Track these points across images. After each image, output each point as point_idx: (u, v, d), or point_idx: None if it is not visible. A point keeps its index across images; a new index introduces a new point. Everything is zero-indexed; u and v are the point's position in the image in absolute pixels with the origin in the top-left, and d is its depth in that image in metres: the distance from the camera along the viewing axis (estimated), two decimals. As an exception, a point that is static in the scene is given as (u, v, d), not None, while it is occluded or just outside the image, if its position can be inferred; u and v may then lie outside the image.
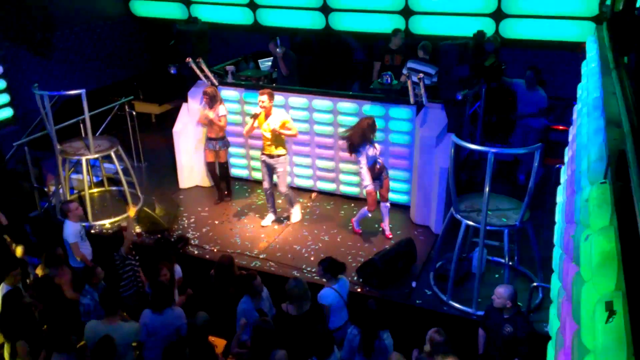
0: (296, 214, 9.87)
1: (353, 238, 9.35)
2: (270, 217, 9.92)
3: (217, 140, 10.03)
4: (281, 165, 9.25)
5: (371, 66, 11.67)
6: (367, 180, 8.67)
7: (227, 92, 10.59)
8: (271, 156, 9.22)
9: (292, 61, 11.18)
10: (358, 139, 8.53)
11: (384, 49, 11.16)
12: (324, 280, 7.26)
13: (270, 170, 9.38)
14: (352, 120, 9.72)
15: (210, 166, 10.34)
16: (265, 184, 9.58)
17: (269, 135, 9.07)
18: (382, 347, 6.39)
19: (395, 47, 10.95)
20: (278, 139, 9.11)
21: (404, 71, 9.76)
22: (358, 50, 12.69)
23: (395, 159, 9.82)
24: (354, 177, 10.17)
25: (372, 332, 6.40)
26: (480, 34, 10.67)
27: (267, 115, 9.02)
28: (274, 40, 11.08)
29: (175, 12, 13.73)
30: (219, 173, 10.45)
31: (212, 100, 9.81)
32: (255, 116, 9.04)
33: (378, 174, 8.82)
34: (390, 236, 9.23)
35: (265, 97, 8.88)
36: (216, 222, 9.97)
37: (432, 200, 9.34)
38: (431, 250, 8.89)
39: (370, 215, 9.16)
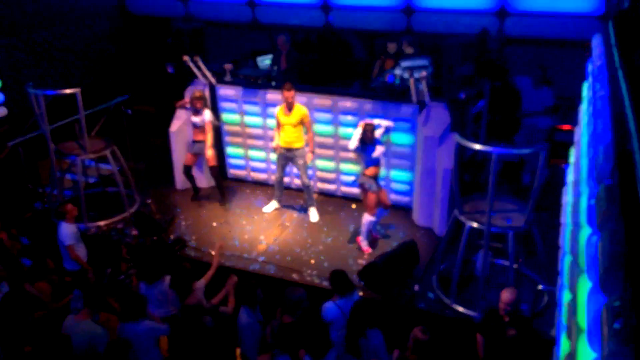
0: (314, 214, 9.91)
1: (355, 239, 9.19)
2: (273, 204, 10.19)
3: (202, 143, 9.96)
4: (300, 157, 9.49)
5: (371, 64, 11.57)
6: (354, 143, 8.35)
7: (225, 91, 10.49)
8: (289, 149, 9.43)
9: (293, 59, 11.11)
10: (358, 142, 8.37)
11: (382, 50, 11.05)
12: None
13: (287, 162, 9.66)
14: (353, 119, 9.62)
15: (187, 169, 10.29)
16: (278, 175, 9.86)
17: (288, 128, 9.30)
18: (369, 346, 6.21)
19: (391, 52, 10.85)
20: (297, 132, 9.33)
21: (399, 72, 9.64)
22: (359, 49, 12.57)
23: (397, 159, 9.69)
24: (354, 178, 10.04)
25: (356, 331, 6.21)
26: (484, 32, 10.55)
27: (290, 109, 9.22)
28: (284, 34, 11.05)
29: (173, 9, 13.65)
30: (213, 177, 10.40)
31: (205, 103, 9.78)
32: (279, 121, 9.33)
33: (376, 178, 8.66)
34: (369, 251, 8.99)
35: (292, 92, 9.12)
36: (214, 223, 9.85)
37: (435, 202, 9.23)
38: (434, 253, 8.75)
39: (374, 219, 8.95)
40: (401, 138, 9.50)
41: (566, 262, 4.85)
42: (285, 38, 11.04)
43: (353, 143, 8.32)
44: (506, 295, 6.31)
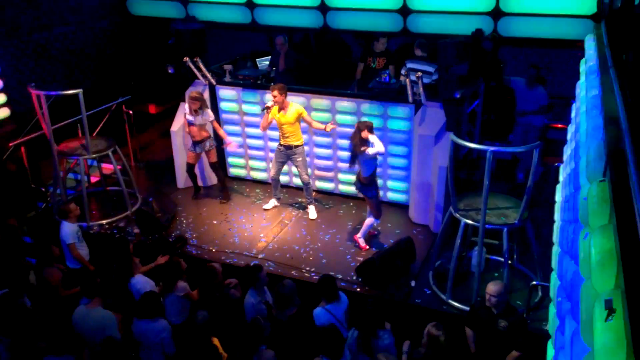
0: (313, 211, 10.01)
1: (352, 237, 9.31)
2: (273, 201, 10.28)
3: (203, 142, 10.05)
4: (300, 154, 9.56)
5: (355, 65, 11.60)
6: (380, 146, 8.28)
7: (225, 92, 10.58)
8: (289, 147, 9.50)
9: (292, 59, 11.18)
10: (356, 141, 8.44)
11: (367, 51, 11.11)
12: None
13: (285, 160, 9.70)
14: (351, 119, 9.74)
15: (191, 167, 10.40)
16: (273, 172, 9.90)
17: (286, 127, 9.33)
18: (382, 346, 6.36)
19: (378, 50, 10.91)
20: (295, 130, 9.40)
21: (403, 71, 9.71)
22: (356, 49, 12.64)
23: (394, 157, 9.81)
24: (352, 176, 10.15)
25: (368, 330, 6.37)
26: (478, 32, 10.65)
27: (281, 109, 9.26)
28: (283, 35, 11.12)
29: (173, 11, 13.69)
30: (215, 173, 10.53)
31: (203, 103, 9.84)
32: (267, 109, 9.27)
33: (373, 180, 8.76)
34: (367, 248, 9.12)
35: (276, 92, 9.12)
36: (214, 221, 9.95)
37: (431, 199, 9.33)
38: (430, 249, 8.87)
39: (377, 221, 9.07)
40: (398, 137, 9.64)
41: (558, 257, 4.97)
42: (282, 39, 11.13)
43: (380, 146, 8.31)
44: (491, 287, 6.38)
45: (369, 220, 8.88)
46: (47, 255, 7.90)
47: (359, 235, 9.07)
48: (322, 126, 9.31)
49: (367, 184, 8.61)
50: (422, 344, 6.09)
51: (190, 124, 9.92)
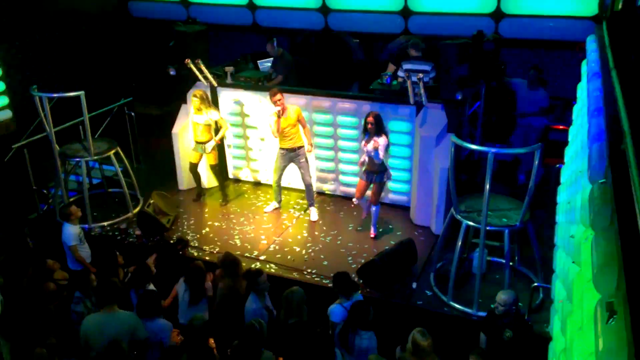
0: (314, 213, 10.02)
1: (353, 239, 9.32)
2: (274, 204, 10.27)
3: (204, 143, 10.04)
4: (302, 156, 9.59)
5: (372, 66, 11.55)
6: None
7: (226, 93, 10.57)
8: (292, 149, 9.52)
9: (288, 63, 11.14)
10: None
11: (404, 56, 11.05)
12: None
13: (288, 163, 9.69)
14: (352, 121, 9.75)
15: (193, 166, 10.41)
16: (275, 177, 9.88)
17: (288, 129, 9.36)
18: (362, 346, 6.32)
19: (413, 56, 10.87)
20: (297, 131, 9.43)
21: (401, 74, 9.71)
22: (357, 51, 12.65)
23: (395, 159, 9.80)
24: (353, 178, 10.16)
25: (349, 325, 6.37)
26: (479, 34, 10.65)
27: (283, 111, 9.26)
28: (271, 41, 11.09)
29: (174, 12, 13.70)
30: (214, 176, 10.57)
31: (203, 103, 9.78)
32: (278, 114, 9.24)
33: (367, 171, 8.92)
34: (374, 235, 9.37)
35: (279, 96, 9.14)
36: (216, 223, 9.95)
37: (432, 201, 9.31)
38: (431, 251, 8.86)
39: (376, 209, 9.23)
40: (399, 138, 9.63)
41: (560, 259, 4.97)
42: (272, 44, 11.06)
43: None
44: (500, 296, 6.37)
45: (374, 210, 9.15)
46: (44, 270, 7.79)
47: (372, 231, 9.32)
48: (309, 139, 9.58)
49: (379, 171, 8.87)
50: (408, 351, 6.03)
51: (195, 122, 9.92)
